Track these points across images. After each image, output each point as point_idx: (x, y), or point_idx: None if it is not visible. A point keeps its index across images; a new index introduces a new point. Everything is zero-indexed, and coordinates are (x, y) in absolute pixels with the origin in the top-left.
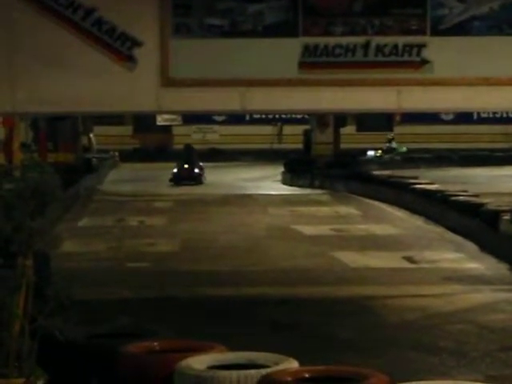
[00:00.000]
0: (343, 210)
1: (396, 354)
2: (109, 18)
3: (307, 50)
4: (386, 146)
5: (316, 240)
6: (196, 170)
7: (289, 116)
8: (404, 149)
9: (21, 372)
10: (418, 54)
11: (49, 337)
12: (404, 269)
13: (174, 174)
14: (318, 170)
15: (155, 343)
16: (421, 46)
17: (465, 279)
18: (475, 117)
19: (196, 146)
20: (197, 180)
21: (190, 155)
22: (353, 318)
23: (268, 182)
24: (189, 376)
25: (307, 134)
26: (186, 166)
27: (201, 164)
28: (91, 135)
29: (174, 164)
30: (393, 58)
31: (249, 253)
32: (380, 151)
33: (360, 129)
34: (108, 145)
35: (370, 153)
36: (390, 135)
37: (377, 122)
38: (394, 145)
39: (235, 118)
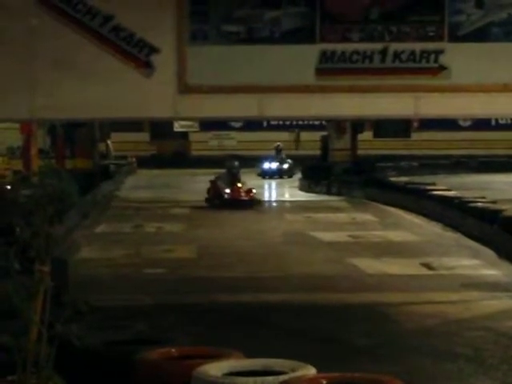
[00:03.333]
0: (360, 216)
1: (413, 360)
2: (126, 25)
3: (324, 56)
4: (278, 156)
5: (333, 246)
6: (254, 191)
7: (306, 122)
8: (289, 161)
9: (38, 378)
10: (436, 60)
11: (66, 343)
12: (421, 275)
13: (226, 194)
14: (335, 177)
15: (172, 350)
16: (438, 53)
17: (482, 286)
18: (493, 123)
19: (213, 153)
20: (254, 203)
21: (235, 171)
22: (370, 325)
23: (285, 189)
24: (206, 383)
25: (324, 141)
26: (238, 184)
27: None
28: (109, 141)
29: (212, 179)
30: (410, 65)
31: (266, 259)
32: (278, 163)
33: (377, 135)
34: (125, 151)
35: (267, 164)
36: (277, 144)
37: (394, 128)
38: (283, 155)
39: (252, 125)
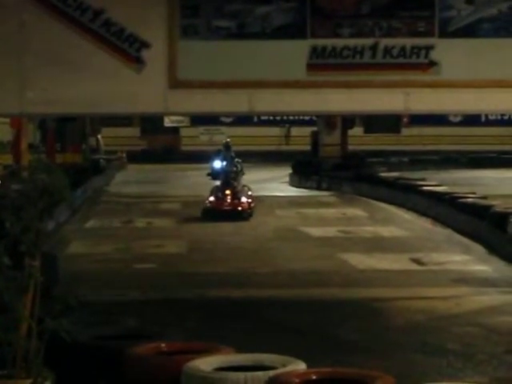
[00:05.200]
0: (350, 211)
1: (403, 356)
2: (117, 20)
3: (315, 51)
4: (227, 155)
5: (323, 242)
6: (243, 200)
7: (297, 118)
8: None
9: (28, 373)
10: (426, 55)
11: (56, 338)
12: (411, 271)
13: (208, 203)
14: (325, 172)
15: (162, 345)
16: (429, 48)
17: (472, 281)
18: (483, 119)
19: (203, 148)
20: (244, 215)
21: (232, 175)
22: (360, 320)
23: (275, 184)
24: (196, 378)
25: (315, 136)
26: (227, 191)
27: (245, 185)
28: (99, 136)
29: (212, 186)
30: (401, 60)
31: (256, 254)
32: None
33: (368, 130)
34: (116, 146)
35: (218, 163)
36: (225, 140)
37: (385, 123)
38: (232, 153)
39: (243, 120)
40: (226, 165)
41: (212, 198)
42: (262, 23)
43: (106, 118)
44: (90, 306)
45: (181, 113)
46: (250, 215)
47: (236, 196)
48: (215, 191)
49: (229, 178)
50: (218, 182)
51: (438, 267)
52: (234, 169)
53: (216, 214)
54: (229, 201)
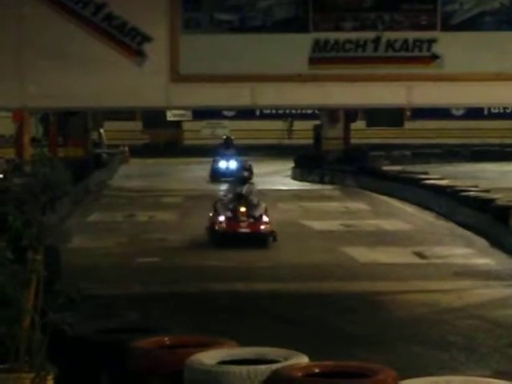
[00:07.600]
0: (353, 205)
1: (405, 349)
2: (119, 13)
3: (317, 45)
4: (228, 152)
5: (326, 235)
6: (265, 219)
7: (299, 111)
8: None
9: (31, 366)
10: (429, 49)
11: (59, 331)
12: (414, 264)
13: (219, 224)
14: (328, 166)
15: (165, 338)
16: (431, 42)
17: (475, 275)
18: (486, 112)
19: (206, 142)
20: (267, 240)
21: (246, 187)
22: (362, 314)
23: (278, 178)
24: (199, 371)
25: (317, 130)
26: (241, 208)
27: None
28: (101, 130)
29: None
30: (403, 54)
31: (259, 248)
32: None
33: (370, 124)
34: (118, 140)
35: (224, 163)
36: (225, 136)
37: (387, 117)
38: (233, 150)
39: (245, 113)
40: (235, 169)
41: (222, 218)
42: (264, 17)
43: (108, 111)
44: (93, 300)
45: (183, 107)
46: (275, 239)
47: (252, 214)
48: (223, 208)
49: (241, 190)
50: (221, 192)
51: (441, 260)
52: (245, 174)
53: (230, 238)
54: (245, 221)
